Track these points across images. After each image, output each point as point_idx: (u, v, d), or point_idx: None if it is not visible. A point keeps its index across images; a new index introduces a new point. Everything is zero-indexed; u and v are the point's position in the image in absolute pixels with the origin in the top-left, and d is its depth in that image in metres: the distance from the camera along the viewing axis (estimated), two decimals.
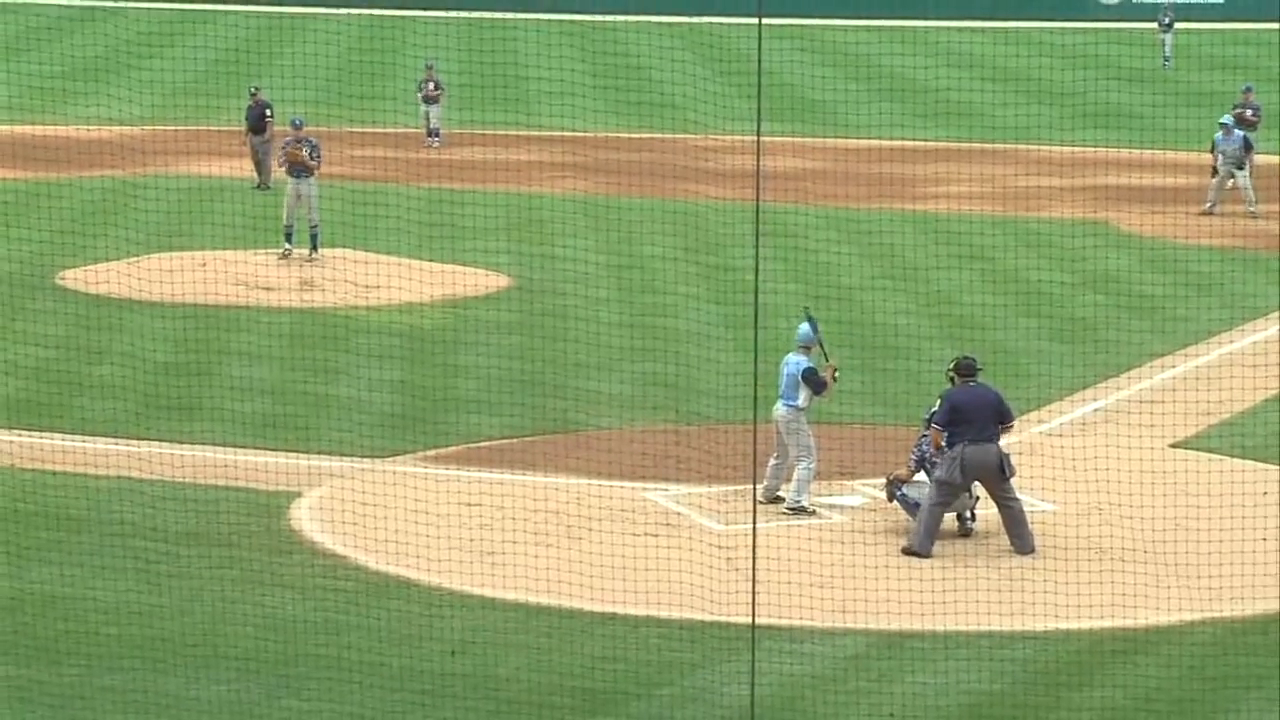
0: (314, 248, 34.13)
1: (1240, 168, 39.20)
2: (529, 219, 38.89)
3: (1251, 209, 39.29)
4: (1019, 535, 19.95)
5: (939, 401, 20.14)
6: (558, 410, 25.08)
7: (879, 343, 29.32)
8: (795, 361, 21.47)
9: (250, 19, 66.35)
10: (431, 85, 47.26)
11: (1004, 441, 20.32)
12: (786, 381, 21.43)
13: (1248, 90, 41.02)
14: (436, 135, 47.34)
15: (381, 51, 49.36)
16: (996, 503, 20.16)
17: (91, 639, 17.55)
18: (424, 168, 40.31)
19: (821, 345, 21.58)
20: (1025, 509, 20.35)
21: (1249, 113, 41.15)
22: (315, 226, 34.09)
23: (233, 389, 25.81)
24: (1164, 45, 66.24)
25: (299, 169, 34.20)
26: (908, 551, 19.88)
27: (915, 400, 25.40)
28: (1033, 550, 19.89)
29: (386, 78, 50.09)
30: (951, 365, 20.38)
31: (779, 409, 21.32)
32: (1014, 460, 20.17)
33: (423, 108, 47.38)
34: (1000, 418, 20.03)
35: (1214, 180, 39.39)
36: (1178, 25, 67.25)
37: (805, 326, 21.72)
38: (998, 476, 19.88)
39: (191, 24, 66.94)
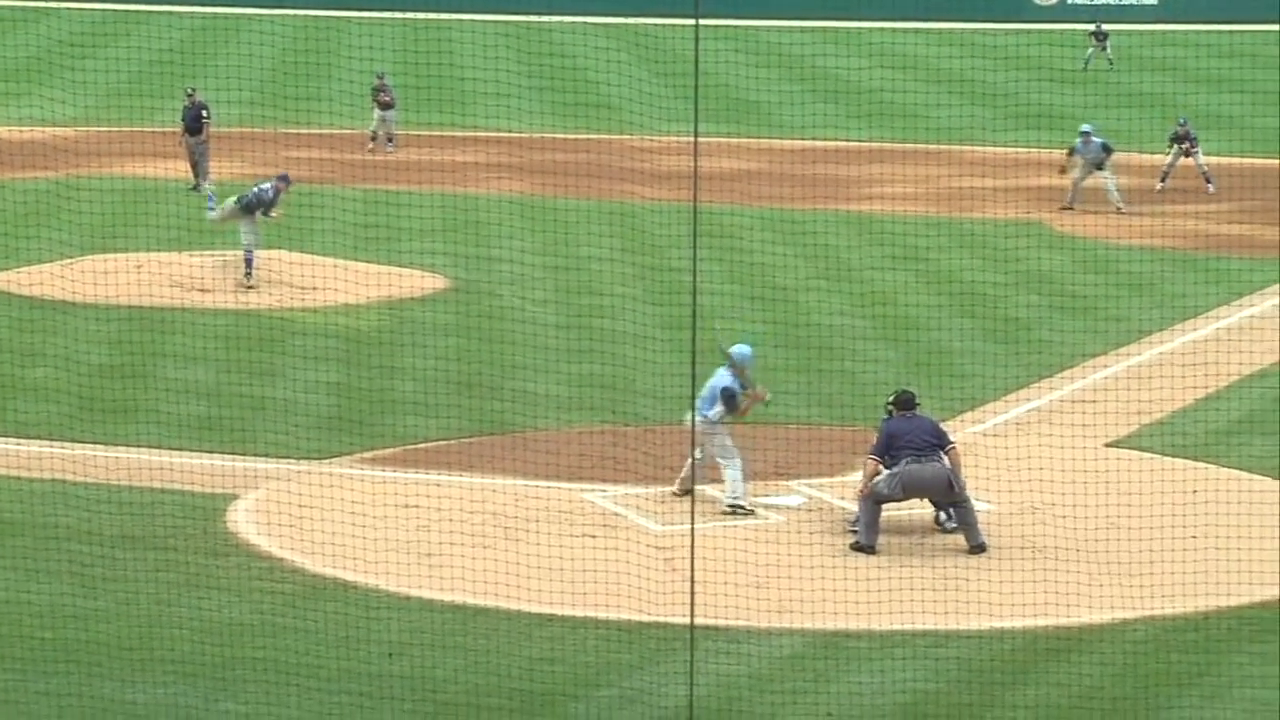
0: (246, 264, 33.05)
1: (1100, 168, 40.51)
2: (466, 220, 38.86)
3: (1120, 207, 40.36)
4: (970, 526, 20.27)
5: (877, 433, 20.50)
6: (495, 412, 25.07)
7: (816, 343, 29.40)
8: (720, 376, 21.52)
9: (185, 20, 66.08)
10: (384, 95, 47.19)
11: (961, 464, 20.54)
12: (708, 392, 21.47)
13: (1184, 123, 42.88)
14: (390, 141, 47.30)
15: (318, 53, 49.25)
16: (949, 505, 20.54)
17: (26, 643, 17.45)
18: (361, 169, 40.25)
19: (747, 375, 21.57)
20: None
21: (1185, 144, 42.74)
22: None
23: (169, 391, 25.71)
24: (1090, 53, 66.76)
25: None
26: (855, 547, 20.05)
27: (851, 400, 25.51)
28: (983, 540, 20.07)
29: (323, 79, 49.97)
30: (890, 398, 20.71)
31: (695, 415, 21.33)
32: (962, 476, 20.33)
33: (378, 113, 47.24)
34: (939, 441, 20.32)
35: (1072, 180, 40.82)
36: (1107, 27, 67.69)
37: (747, 349, 21.81)
38: (945, 493, 20.26)
39: (126, 25, 66.59)
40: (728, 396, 21.39)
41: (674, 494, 21.57)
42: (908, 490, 20.36)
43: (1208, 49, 66.31)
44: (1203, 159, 42.94)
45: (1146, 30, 72.62)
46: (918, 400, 20.81)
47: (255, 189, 32.87)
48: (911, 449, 20.27)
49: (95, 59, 55.46)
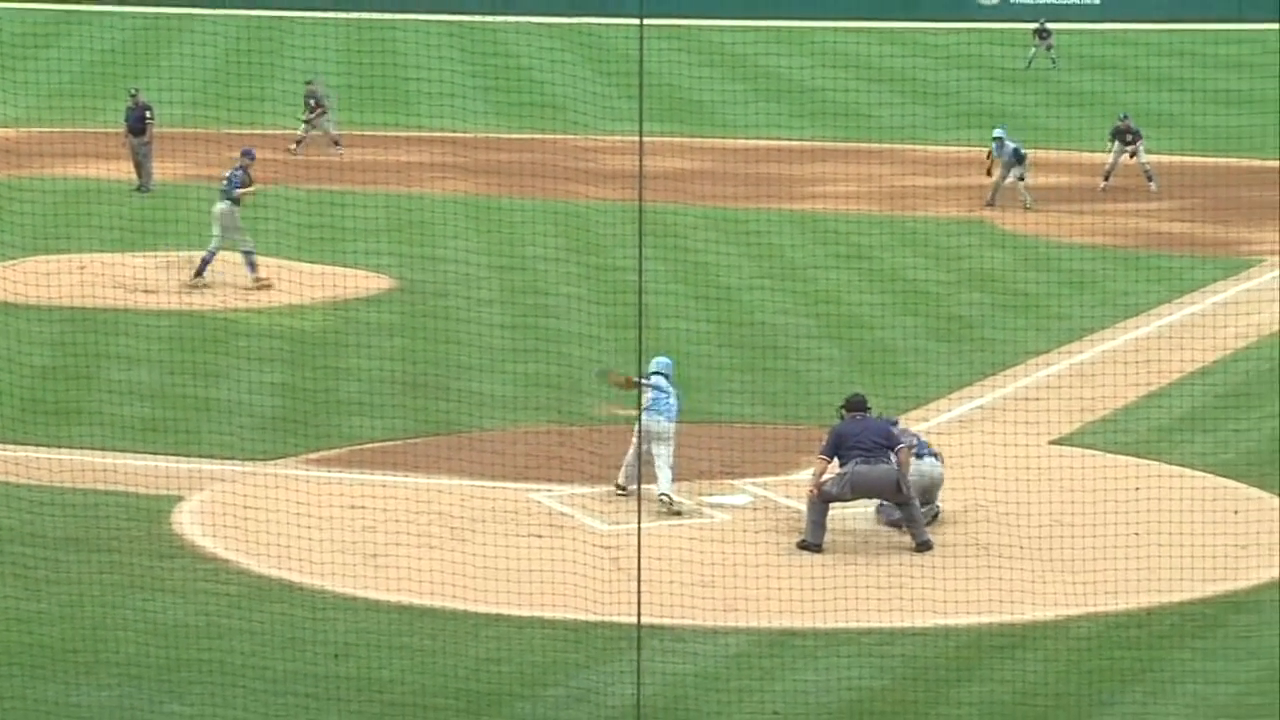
0: (201, 263, 32.63)
1: (1012, 169, 41.19)
2: (412, 220, 38.78)
3: (1027, 206, 40.84)
4: (915, 523, 20.32)
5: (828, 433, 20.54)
6: (441, 412, 25.04)
7: (761, 342, 29.44)
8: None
9: (128, 20, 65.76)
10: (313, 101, 46.92)
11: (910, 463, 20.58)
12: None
13: (1125, 118, 43.12)
14: (337, 144, 47.14)
15: (260, 53, 49.08)
16: (896, 505, 20.54)
17: None
18: (305, 169, 40.09)
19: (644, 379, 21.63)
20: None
21: (1128, 136, 42.98)
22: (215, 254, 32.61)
23: (113, 393, 25.58)
24: (1033, 52, 67.06)
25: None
26: (801, 546, 20.09)
27: (797, 400, 25.56)
28: (928, 538, 20.17)
29: (266, 79, 49.76)
30: (842, 402, 20.76)
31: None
32: (909, 478, 20.38)
33: (307, 115, 46.89)
34: (889, 443, 20.36)
35: (993, 181, 41.24)
36: (1051, 25, 67.97)
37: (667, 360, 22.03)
38: (893, 493, 20.29)
39: (68, 25, 66.24)
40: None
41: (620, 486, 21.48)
42: (856, 490, 20.41)
43: (1149, 48, 66.67)
44: (1145, 157, 43.14)
45: (1089, 30, 72.98)
46: (868, 404, 20.88)
47: (225, 180, 32.75)
48: (860, 450, 20.33)
49: (37, 59, 55.13)
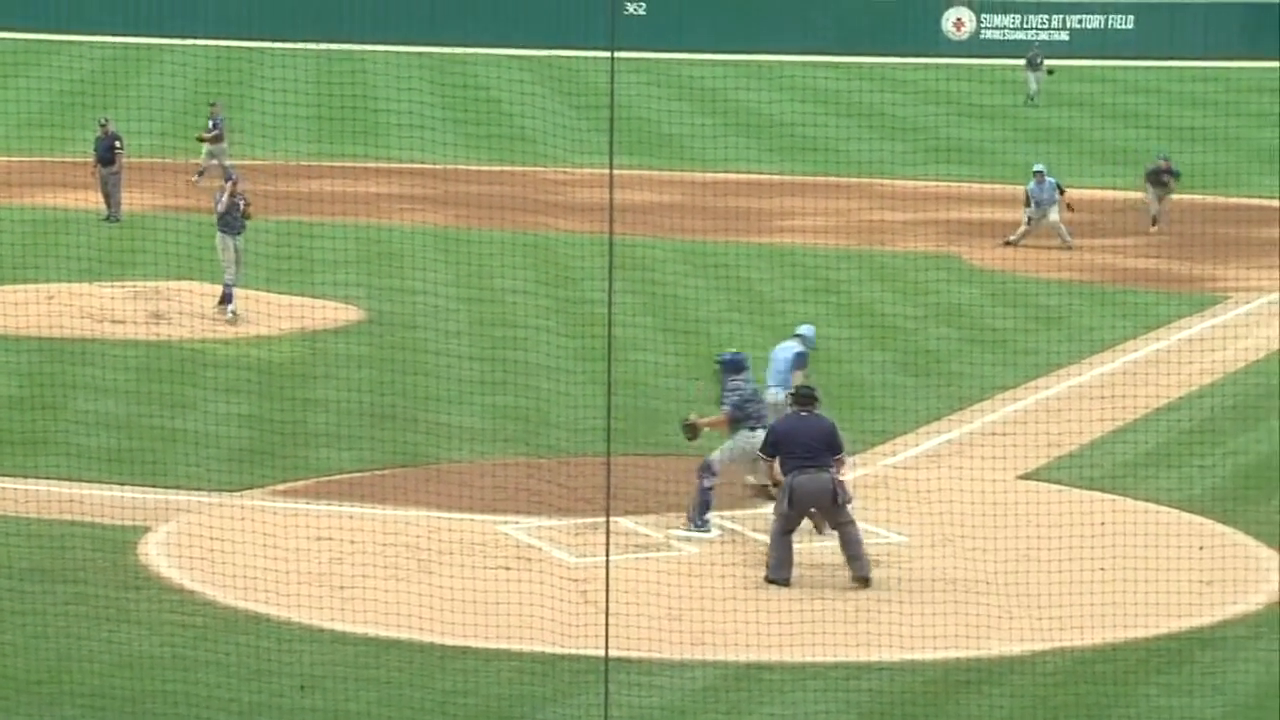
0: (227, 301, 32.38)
1: (1052, 207, 40.62)
2: (381, 251, 38.77)
3: (1067, 244, 40.37)
4: (855, 557, 19.99)
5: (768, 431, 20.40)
6: (410, 443, 25.01)
7: None
8: (787, 348, 23.00)
9: (98, 49, 65.70)
10: (211, 124, 46.67)
11: (849, 475, 20.48)
12: (781, 365, 22.78)
13: (1165, 158, 42.56)
14: (230, 178, 46.81)
15: (230, 84, 49.05)
16: (832, 526, 20.26)
17: None
18: (274, 200, 40.05)
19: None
20: (871, 539, 20.56)
21: (1163, 178, 42.54)
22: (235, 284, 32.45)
23: (80, 423, 25.51)
24: (1029, 82, 66.99)
25: (239, 227, 32.38)
26: (769, 580, 19.98)
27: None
28: (868, 573, 19.90)
29: (235, 109, 49.75)
30: (790, 391, 20.67)
31: (773, 393, 22.44)
32: (850, 488, 20.28)
33: (207, 146, 46.53)
34: (831, 448, 20.08)
35: (1027, 218, 40.76)
36: (1048, 62, 67.88)
37: (811, 328, 23.53)
38: (830, 504, 19.97)
39: (37, 54, 66.14)
40: (799, 361, 22.59)
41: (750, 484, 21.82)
42: (797, 504, 19.78)
43: (1120, 84, 67.00)
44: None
45: (1059, 65, 73.21)
46: (818, 396, 20.24)
47: (217, 208, 32.56)
48: (800, 454, 19.72)
49: (5, 88, 55.03)
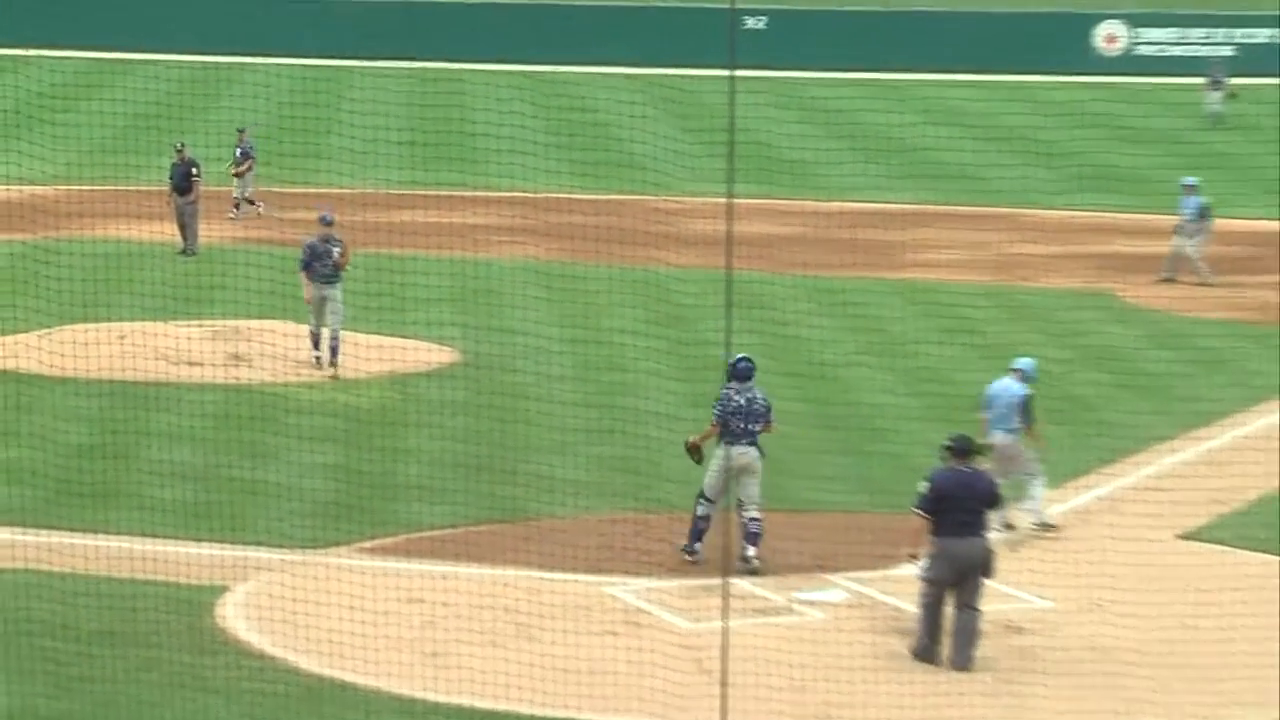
0: (334, 361, 32.16)
1: (1195, 233, 39.74)
2: (478, 288, 38.96)
3: (1205, 280, 39.80)
4: (965, 646, 19.55)
5: (923, 484, 20.13)
6: (509, 497, 25.09)
7: (860, 424, 29.39)
8: (1009, 387, 24.16)
9: (174, 69, 66.47)
10: (239, 153, 47.11)
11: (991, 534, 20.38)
12: (1003, 409, 23.95)
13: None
14: (253, 203, 47.29)
15: (317, 105, 49.56)
16: (956, 605, 19.72)
17: None
18: (362, 232, 40.35)
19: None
20: (1013, 604, 20.40)
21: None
22: (337, 335, 32.25)
23: (154, 474, 25.76)
24: (1210, 103, 66.10)
25: (331, 273, 32.32)
26: (918, 658, 19.71)
27: (900, 486, 25.44)
28: (970, 666, 19.47)
29: (323, 134, 50.22)
30: (947, 443, 20.21)
31: (997, 436, 23.77)
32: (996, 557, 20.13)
33: (241, 173, 46.96)
34: (991, 508, 19.98)
35: (1171, 248, 40.08)
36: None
37: (1031, 361, 24.55)
38: (976, 576, 19.71)
39: (111, 75, 67.06)
40: (1025, 406, 23.76)
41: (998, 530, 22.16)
42: (958, 571, 19.50)
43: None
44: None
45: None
46: (977, 449, 20.08)
47: (310, 250, 32.36)
48: (959, 515, 19.47)
49: (77, 112, 55.78)
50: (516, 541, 23.34)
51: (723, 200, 42.14)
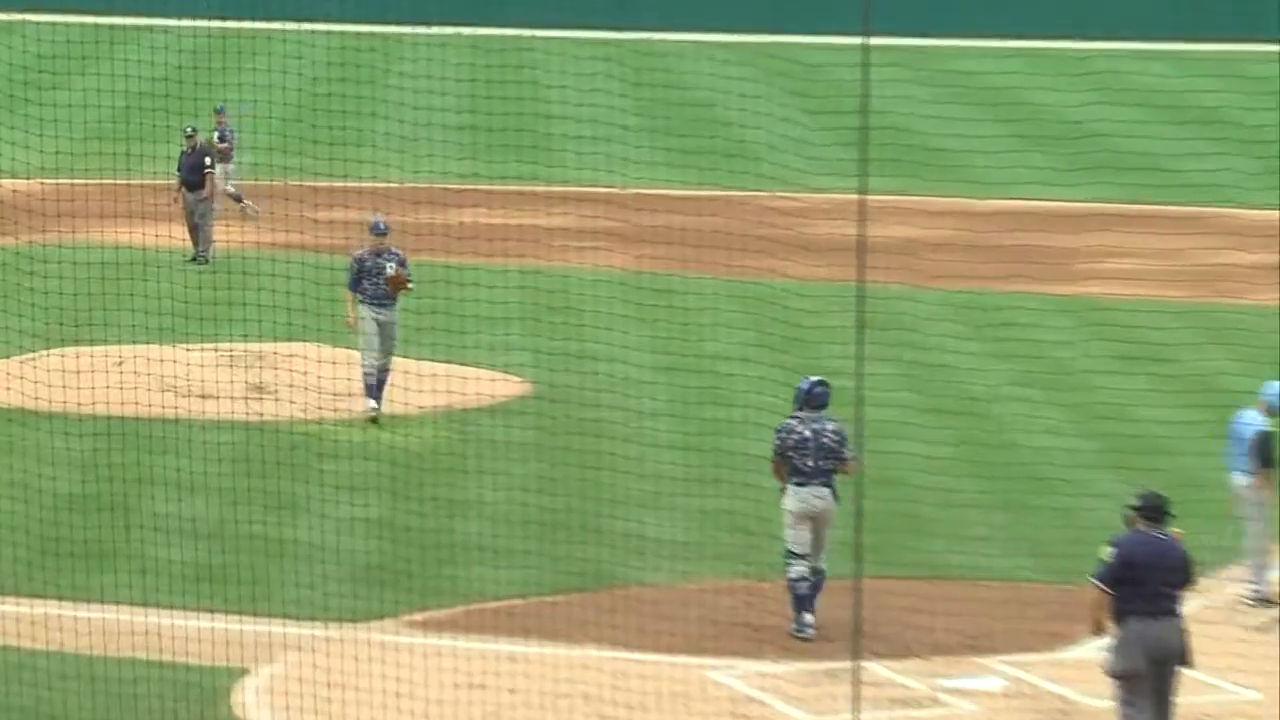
0: (377, 397, 31.91)
1: None
2: (552, 304, 39.05)
3: None
4: None
5: (1106, 550, 20.01)
6: (590, 560, 25.13)
7: (1020, 471, 29.31)
8: (1249, 419, 24.57)
9: (185, 37, 66.92)
10: (217, 137, 47.24)
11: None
12: (1238, 446, 24.39)
13: None
14: (239, 199, 47.42)
15: (359, 82, 49.84)
16: (1155, 699, 19.64)
17: None
18: (412, 236, 40.51)
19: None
20: (1211, 695, 20.30)
21: None
22: (387, 367, 32.14)
23: (158, 530, 25.90)
24: None
25: (386, 294, 32.29)
26: None
27: (1070, 549, 25.36)
28: None
29: (365, 115, 50.50)
30: (1134, 503, 20.07)
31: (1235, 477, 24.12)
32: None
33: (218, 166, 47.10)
34: (1187, 582, 19.90)
35: None
36: None
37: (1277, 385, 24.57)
38: (1174, 666, 19.64)
39: (110, 45, 67.48)
40: (1262, 444, 24.00)
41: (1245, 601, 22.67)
42: (1151, 660, 19.44)
43: None
44: None
45: None
46: (1172, 511, 20.02)
47: (359, 265, 32.25)
48: (1150, 591, 19.48)
49: (68, 89, 56.26)
50: (599, 614, 23.36)
51: (852, 197, 42.07)
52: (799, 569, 22.96)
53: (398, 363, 33.01)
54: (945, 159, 54.83)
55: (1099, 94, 62.09)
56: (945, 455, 29.38)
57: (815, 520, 23.04)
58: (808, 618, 22.79)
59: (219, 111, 47.39)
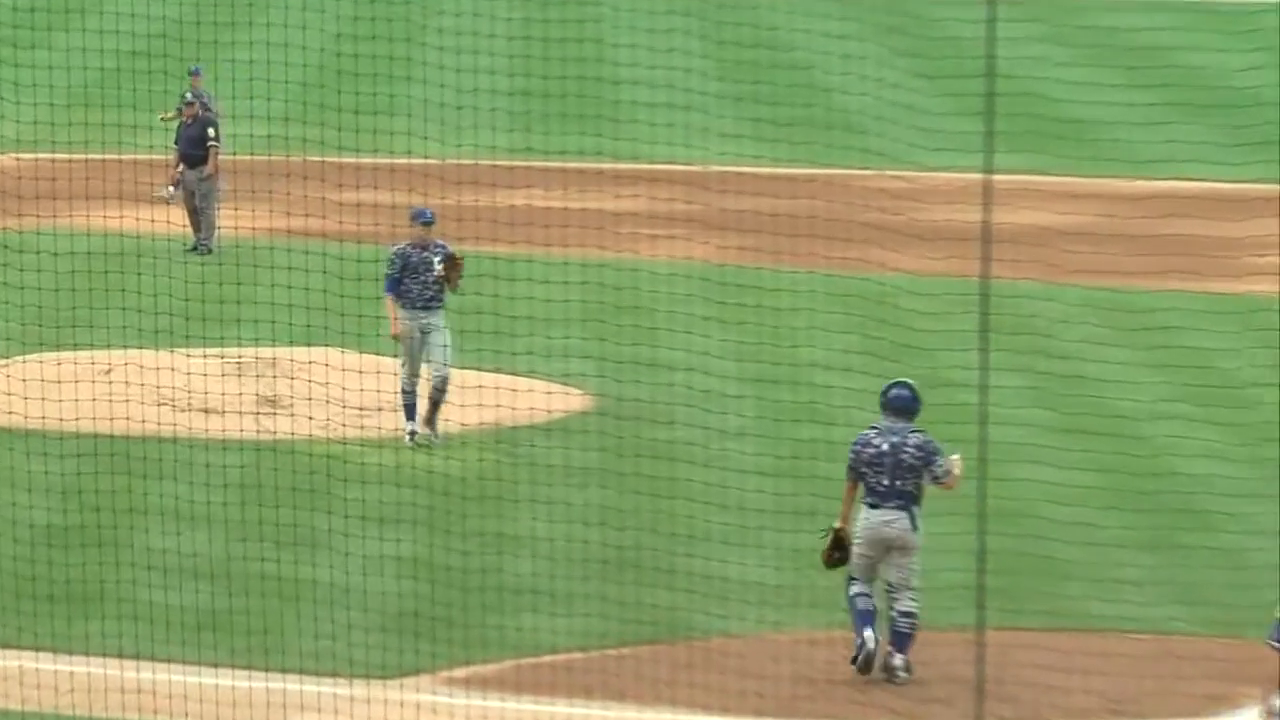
0: (432, 420, 32.18)
1: None
2: (619, 303, 39.02)
3: None
4: None
5: None
6: (664, 606, 25.15)
7: (1176, 503, 29.29)
8: None
9: None
10: (184, 101, 47.18)
11: None
12: None
13: None
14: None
15: (391, 40, 49.83)
16: None
17: None
18: (454, 222, 40.59)
19: None
20: None
21: None
22: (443, 382, 32.19)
23: (152, 568, 25.95)
24: None
25: (432, 295, 32.59)
26: None
27: (1233, 597, 25.29)
28: None
29: (398, 79, 50.55)
30: None
31: None
32: None
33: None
34: None
35: None
36: None
37: None
38: None
39: None
40: None
41: None
42: None
43: None
44: None
45: None
46: None
47: (401, 261, 32.56)
48: None
49: (47, 48, 56.53)
50: (674, 670, 23.38)
51: (976, 177, 41.99)
52: (859, 587, 23.00)
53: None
54: (1085, 132, 54.68)
55: (1268, 54, 61.90)
56: (1084, 484, 29.27)
57: (890, 550, 22.96)
58: (868, 633, 22.78)
59: (193, 74, 47.36)
